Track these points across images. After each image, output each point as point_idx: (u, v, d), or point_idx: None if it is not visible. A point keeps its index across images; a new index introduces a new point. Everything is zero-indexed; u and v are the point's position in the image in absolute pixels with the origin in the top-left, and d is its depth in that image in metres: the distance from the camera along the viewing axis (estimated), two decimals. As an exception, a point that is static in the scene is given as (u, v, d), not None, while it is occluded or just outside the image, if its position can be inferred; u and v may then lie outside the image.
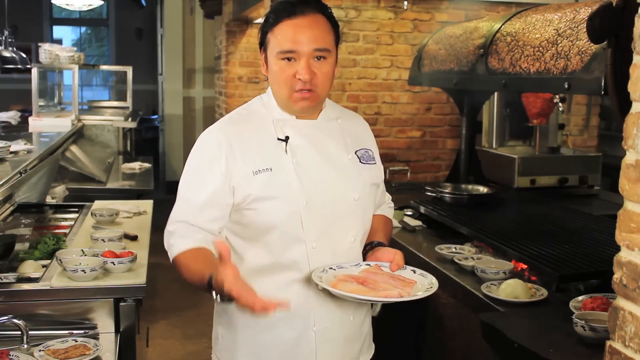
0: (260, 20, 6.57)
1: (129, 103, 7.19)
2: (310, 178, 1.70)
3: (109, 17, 11.69)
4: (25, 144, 3.75)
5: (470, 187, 3.50)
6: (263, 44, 1.72)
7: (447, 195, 3.33)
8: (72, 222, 3.24)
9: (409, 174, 4.36)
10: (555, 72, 2.34)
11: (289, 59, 1.65)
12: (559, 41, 2.37)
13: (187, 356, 4.09)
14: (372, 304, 1.87)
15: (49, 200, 3.87)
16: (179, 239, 1.66)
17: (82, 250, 2.48)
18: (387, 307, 1.89)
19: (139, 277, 2.36)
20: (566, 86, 2.26)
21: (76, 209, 3.49)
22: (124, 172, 5.30)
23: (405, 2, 4.45)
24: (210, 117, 8.26)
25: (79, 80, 6.11)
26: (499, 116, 4.14)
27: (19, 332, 2.02)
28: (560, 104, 3.76)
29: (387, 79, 4.56)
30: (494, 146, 4.14)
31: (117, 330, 2.26)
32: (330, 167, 1.74)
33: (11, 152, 3.36)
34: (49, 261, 2.49)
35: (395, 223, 3.20)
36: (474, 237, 2.80)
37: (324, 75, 1.67)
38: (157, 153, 9.18)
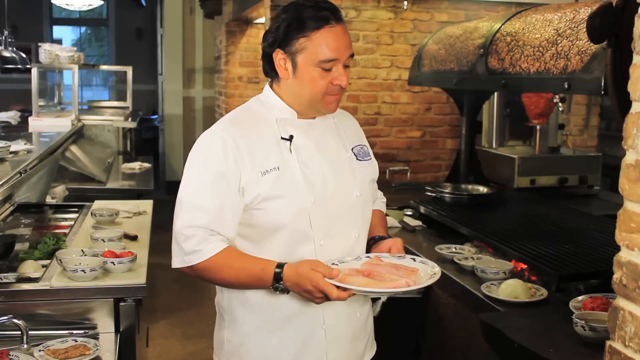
0: (261, 20, 6.58)
1: (128, 103, 7.19)
2: (315, 176, 1.71)
3: (109, 17, 11.69)
4: (25, 144, 3.74)
5: (470, 187, 3.50)
6: (287, 46, 1.66)
7: (447, 195, 3.32)
8: (72, 222, 3.24)
9: (409, 174, 4.37)
10: (555, 72, 2.34)
11: (327, 68, 1.66)
12: (559, 41, 2.36)
13: (187, 356, 4.08)
14: (372, 303, 1.88)
15: (49, 200, 3.87)
16: (206, 243, 1.64)
17: (82, 250, 2.48)
18: (387, 305, 1.90)
19: (139, 277, 2.35)
20: (566, 86, 2.26)
21: (76, 209, 3.50)
22: (124, 172, 5.29)
23: (405, 2, 4.45)
24: (210, 117, 8.26)
25: (79, 80, 6.10)
26: (499, 116, 4.14)
27: (19, 332, 2.01)
28: (560, 104, 3.77)
29: (387, 79, 4.56)
30: (494, 146, 4.14)
31: (117, 330, 2.26)
32: (331, 165, 1.75)
33: (11, 152, 3.35)
34: (49, 261, 2.49)
35: (395, 223, 3.20)
36: (474, 237, 2.80)
37: (348, 78, 1.72)
38: (157, 153, 9.18)
